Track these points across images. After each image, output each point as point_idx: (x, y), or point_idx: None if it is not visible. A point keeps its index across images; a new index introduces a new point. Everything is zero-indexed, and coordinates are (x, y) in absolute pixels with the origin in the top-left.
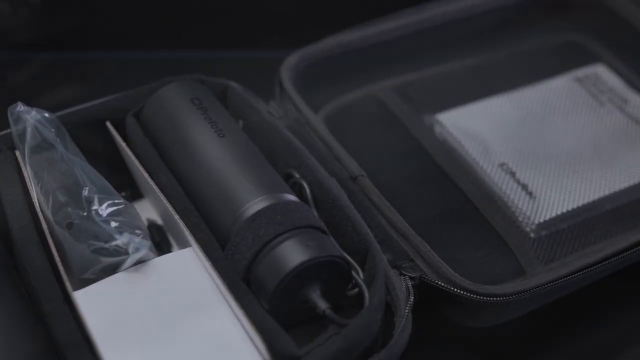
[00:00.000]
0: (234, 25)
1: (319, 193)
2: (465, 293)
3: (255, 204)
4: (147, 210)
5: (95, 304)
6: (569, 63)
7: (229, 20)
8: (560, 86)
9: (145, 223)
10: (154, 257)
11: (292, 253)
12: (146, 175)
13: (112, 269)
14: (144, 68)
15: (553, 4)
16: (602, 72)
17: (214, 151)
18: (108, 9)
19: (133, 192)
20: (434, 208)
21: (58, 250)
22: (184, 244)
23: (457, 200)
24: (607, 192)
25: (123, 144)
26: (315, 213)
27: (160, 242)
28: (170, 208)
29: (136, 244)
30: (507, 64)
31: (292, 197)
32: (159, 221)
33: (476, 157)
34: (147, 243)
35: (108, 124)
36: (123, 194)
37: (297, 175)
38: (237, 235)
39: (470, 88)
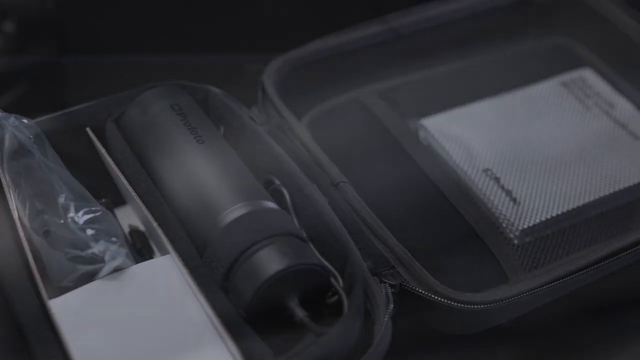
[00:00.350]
0: (217, 29)
1: (298, 200)
2: (446, 301)
3: (233, 211)
4: (129, 216)
5: (71, 312)
6: (555, 67)
7: (213, 25)
8: (546, 90)
9: (127, 229)
10: (131, 265)
11: (269, 261)
12: (125, 181)
13: (89, 277)
14: (125, 73)
15: (539, 8)
16: (588, 76)
17: (193, 158)
18: (88, 14)
19: (116, 198)
20: (416, 214)
21: (35, 258)
22: (163, 251)
23: (441, 206)
24: (592, 198)
25: (103, 150)
26: (295, 220)
27: (142, 248)
28: (149, 215)
29: (112, 252)
30: (493, 68)
31: (270, 204)
32: (142, 227)
33: (460, 162)
34: (124, 251)
35: (88, 130)
36: (103, 200)
37: (277, 182)
38: (214, 243)
39: (456, 93)
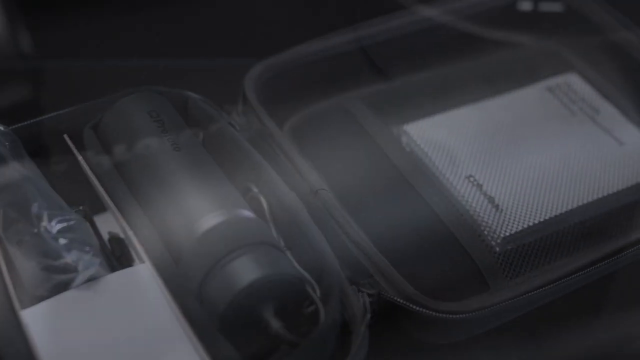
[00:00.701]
0: (197, 34)
1: (276, 208)
2: (424, 310)
3: (209, 220)
4: (109, 223)
5: (44, 322)
6: (540, 72)
7: (193, 30)
8: (531, 95)
9: (107, 236)
10: (106, 274)
11: (244, 271)
12: (101, 189)
13: (64, 286)
14: (103, 78)
15: (525, 13)
16: (574, 81)
17: (169, 165)
18: (70, 18)
19: (96, 205)
20: (397, 221)
21: (9, 268)
22: (141, 259)
23: (422, 213)
24: (575, 205)
25: (80, 157)
26: (273, 228)
27: (121, 255)
28: (124, 223)
29: (85, 261)
30: (477, 73)
31: (247, 213)
32: (121, 234)
33: (443, 169)
34: (97, 260)
35: (65, 137)
36: (81, 207)
37: (255, 190)
38: (190, 252)
39: (439, 98)
